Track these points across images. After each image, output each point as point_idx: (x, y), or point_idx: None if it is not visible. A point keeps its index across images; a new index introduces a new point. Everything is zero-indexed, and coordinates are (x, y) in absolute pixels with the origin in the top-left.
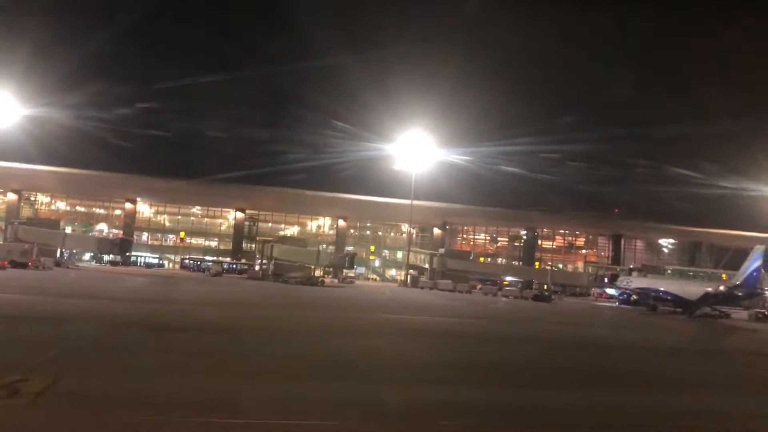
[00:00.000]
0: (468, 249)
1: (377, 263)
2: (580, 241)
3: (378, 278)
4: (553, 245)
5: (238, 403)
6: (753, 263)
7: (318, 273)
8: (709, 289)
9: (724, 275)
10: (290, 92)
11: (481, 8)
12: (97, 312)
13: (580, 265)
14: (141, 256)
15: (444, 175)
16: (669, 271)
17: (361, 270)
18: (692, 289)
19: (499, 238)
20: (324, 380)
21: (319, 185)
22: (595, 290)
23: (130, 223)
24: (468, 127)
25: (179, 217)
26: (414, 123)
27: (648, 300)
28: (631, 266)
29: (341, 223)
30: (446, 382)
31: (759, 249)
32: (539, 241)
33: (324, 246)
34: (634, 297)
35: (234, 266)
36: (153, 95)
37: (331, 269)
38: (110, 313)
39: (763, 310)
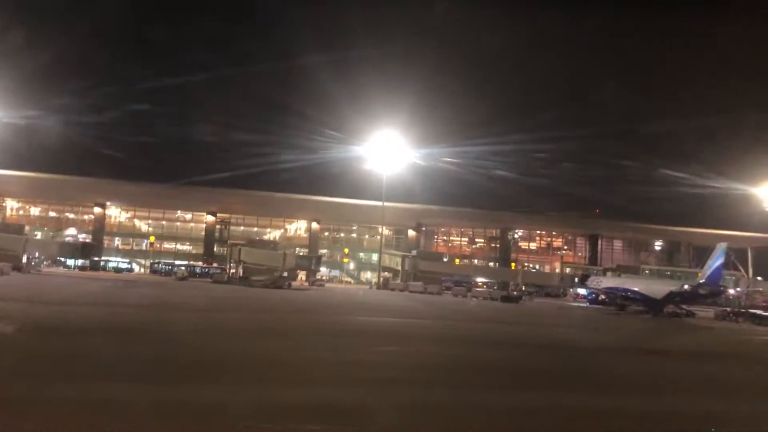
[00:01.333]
0: (445, 251)
1: (352, 266)
2: (559, 242)
3: (352, 281)
4: (528, 246)
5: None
6: (716, 261)
7: (285, 276)
8: (674, 288)
9: (700, 274)
10: (261, 94)
11: (452, 8)
12: None
13: (557, 265)
14: (111, 261)
15: (418, 176)
16: (647, 272)
17: (336, 273)
18: (658, 288)
19: (475, 240)
20: (181, 381)
21: (291, 187)
22: (572, 291)
23: (99, 227)
24: (442, 128)
25: (150, 221)
26: (387, 124)
27: (616, 299)
28: (606, 267)
29: (314, 225)
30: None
31: (721, 246)
32: (518, 242)
33: (298, 249)
34: (602, 297)
35: (207, 270)
36: (122, 98)
37: (301, 272)
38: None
39: (726, 308)
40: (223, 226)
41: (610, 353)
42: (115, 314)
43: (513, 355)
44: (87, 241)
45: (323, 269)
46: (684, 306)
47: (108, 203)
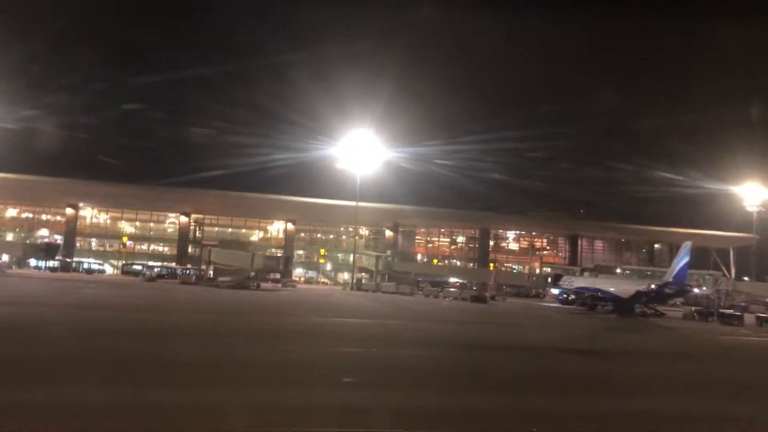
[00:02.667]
0: (425, 251)
1: (329, 266)
2: (542, 243)
3: (329, 282)
4: (508, 246)
5: None
6: (681, 260)
7: (252, 276)
8: (641, 288)
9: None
10: (235, 94)
11: (427, 7)
12: None
13: (536, 265)
14: (83, 262)
15: (395, 176)
16: (627, 272)
17: (313, 274)
18: (626, 288)
19: (456, 240)
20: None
21: (267, 188)
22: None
23: (71, 228)
24: (420, 128)
25: (123, 222)
26: (363, 123)
27: (586, 299)
28: (584, 267)
29: (290, 226)
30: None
31: (687, 245)
32: (500, 243)
33: (274, 250)
34: (572, 297)
35: (185, 271)
36: (94, 99)
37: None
38: None
39: (696, 308)
40: (197, 227)
41: (535, 353)
42: (28, 314)
43: (431, 354)
44: (51, 241)
45: (299, 270)
46: (655, 306)
47: (81, 204)
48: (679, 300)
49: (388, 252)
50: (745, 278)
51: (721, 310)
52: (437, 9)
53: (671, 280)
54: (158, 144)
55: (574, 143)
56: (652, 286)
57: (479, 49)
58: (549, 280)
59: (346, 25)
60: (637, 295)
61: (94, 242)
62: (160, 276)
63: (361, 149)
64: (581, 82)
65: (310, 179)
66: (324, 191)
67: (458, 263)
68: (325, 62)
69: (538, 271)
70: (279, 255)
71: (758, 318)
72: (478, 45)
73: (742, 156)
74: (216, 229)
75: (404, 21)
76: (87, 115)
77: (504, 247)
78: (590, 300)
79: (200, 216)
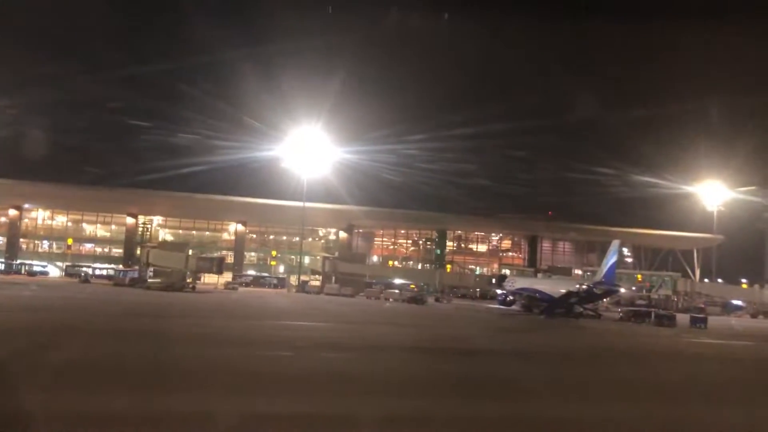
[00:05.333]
0: (382, 253)
1: (281, 268)
2: (499, 244)
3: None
4: (466, 247)
5: None
6: (610, 258)
7: (185, 278)
8: (571, 289)
9: (639, 276)
10: (184, 93)
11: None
12: None
13: (495, 267)
14: (26, 264)
15: (350, 177)
16: (588, 273)
17: (265, 275)
18: (560, 289)
19: (417, 242)
20: None
21: (218, 189)
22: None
23: (15, 230)
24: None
25: (69, 223)
26: (315, 123)
27: (522, 300)
28: (537, 268)
29: (239, 227)
30: None
31: (614, 244)
32: (460, 244)
33: (223, 252)
34: (510, 298)
35: (121, 273)
36: (39, 98)
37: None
38: None
39: (632, 309)
40: (144, 228)
41: (411, 351)
42: None
43: (301, 355)
44: None
45: (251, 272)
46: (589, 306)
47: (25, 205)
48: (641, 301)
49: (336, 254)
50: (719, 280)
51: (656, 311)
52: (389, 2)
53: (600, 279)
54: (104, 145)
55: (535, 144)
56: (583, 287)
57: (436, 45)
58: (493, 281)
59: (292, 20)
60: (567, 296)
61: (39, 244)
62: (101, 277)
63: (314, 150)
64: (541, 81)
65: (262, 180)
66: (277, 192)
67: (411, 265)
68: (273, 59)
69: (503, 272)
70: (214, 256)
71: (692, 318)
72: (435, 40)
73: (706, 156)
74: (166, 230)
75: (354, 15)
76: (31, 114)
77: (464, 248)
78: (527, 301)
79: (149, 217)
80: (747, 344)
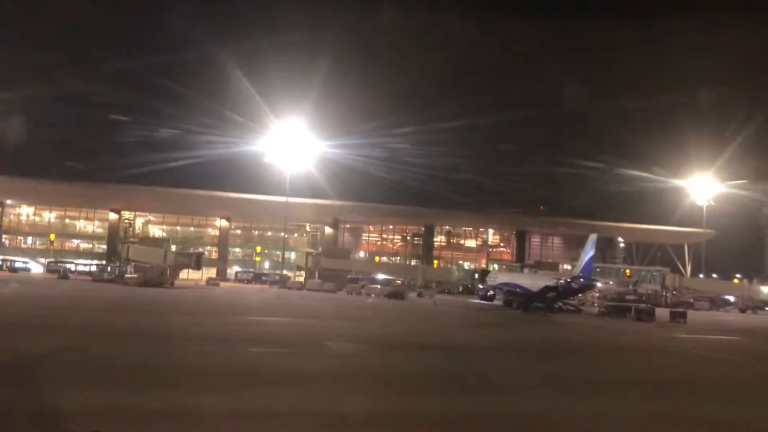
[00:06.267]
0: (369, 248)
1: (267, 264)
2: (486, 239)
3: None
4: (455, 242)
5: None
6: (587, 253)
7: (163, 273)
8: (549, 283)
9: (628, 271)
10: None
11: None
12: None
13: (483, 262)
14: (7, 260)
15: (336, 171)
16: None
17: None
18: (539, 284)
19: (405, 237)
20: None
21: (202, 184)
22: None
23: None
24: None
25: (52, 219)
26: (300, 118)
27: (503, 295)
28: (524, 263)
29: (223, 223)
30: None
31: (592, 238)
32: (449, 239)
33: (207, 248)
34: (490, 292)
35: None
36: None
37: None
38: None
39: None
40: (127, 224)
41: (352, 344)
42: None
43: (226, 350)
44: None
45: (237, 267)
46: (569, 301)
47: (8, 201)
48: (631, 296)
49: (320, 249)
50: (714, 275)
51: (636, 306)
52: None
53: (579, 274)
54: (86, 140)
55: (524, 138)
56: (561, 281)
57: (422, 38)
58: (476, 276)
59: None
60: (544, 291)
61: (21, 240)
62: (83, 273)
63: (299, 144)
64: (529, 74)
65: (247, 175)
66: (262, 187)
67: (399, 260)
68: (256, 53)
69: (485, 267)
70: (191, 252)
71: (671, 313)
72: (420, 33)
73: (696, 150)
74: (150, 226)
75: (338, 8)
76: (12, 109)
77: (452, 243)
78: (506, 295)
79: (131, 213)
80: (719, 338)
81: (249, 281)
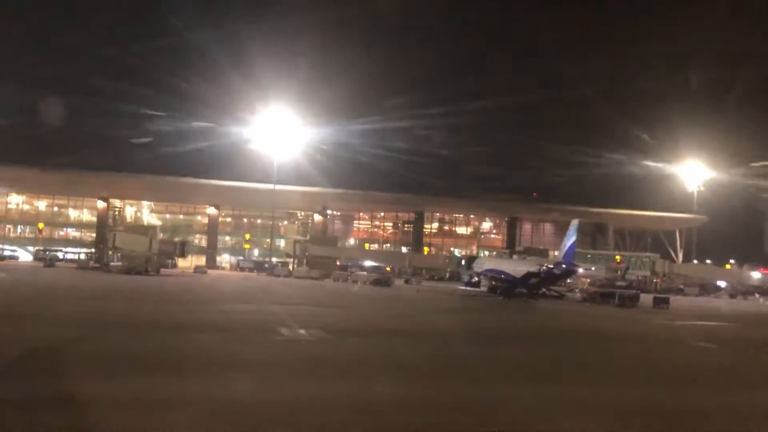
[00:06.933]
0: (360, 236)
1: (256, 252)
2: (478, 225)
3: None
4: (446, 229)
5: None
6: (569, 239)
7: (148, 261)
8: (531, 269)
9: (618, 257)
10: (157, 75)
11: None
12: None
13: (474, 249)
14: None
15: (323, 158)
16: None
17: (241, 259)
18: (522, 270)
19: (396, 224)
20: None
21: (191, 171)
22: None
23: None
24: (352, 108)
25: (41, 207)
26: (289, 105)
27: (488, 281)
28: (514, 250)
29: (212, 211)
30: None
31: (574, 223)
32: (441, 226)
33: (195, 236)
34: (475, 279)
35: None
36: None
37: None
38: None
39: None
40: (115, 212)
41: (307, 330)
42: None
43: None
44: None
45: (226, 256)
46: (553, 287)
47: None
48: (620, 283)
49: (308, 236)
50: (707, 261)
51: (620, 293)
52: None
53: (561, 260)
54: (73, 128)
55: (515, 124)
56: (543, 267)
57: (410, 23)
58: (463, 262)
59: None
60: (526, 277)
61: (11, 229)
62: (72, 261)
63: (287, 131)
64: (519, 59)
65: (236, 163)
66: (251, 175)
67: (389, 248)
68: (244, 39)
69: (472, 254)
70: (176, 240)
71: (655, 299)
72: (409, 18)
73: (688, 135)
74: (140, 215)
75: None
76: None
77: (443, 230)
78: (491, 282)
79: (119, 201)
80: (694, 324)
81: (251, 270)
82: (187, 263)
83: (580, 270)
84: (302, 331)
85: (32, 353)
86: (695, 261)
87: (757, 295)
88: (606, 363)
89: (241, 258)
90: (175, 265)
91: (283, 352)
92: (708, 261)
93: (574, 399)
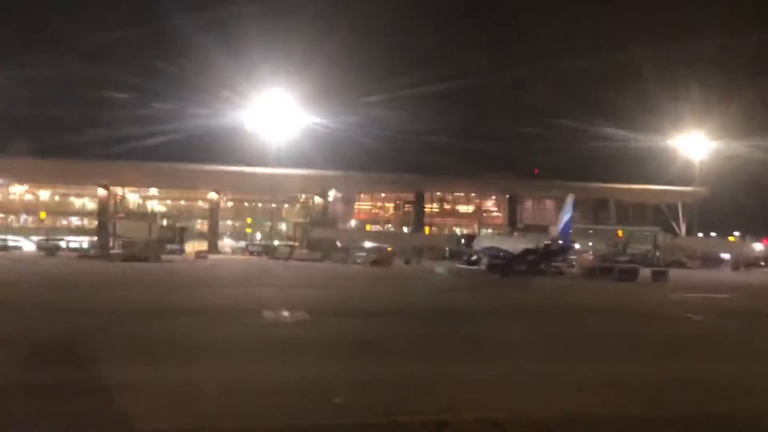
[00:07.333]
0: (361, 217)
1: (258, 236)
2: (481, 204)
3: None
4: (446, 209)
5: None
6: (565, 214)
7: (148, 248)
8: (529, 246)
9: (620, 232)
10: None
11: None
12: None
13: (476, 227)
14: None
15: (321, 141)
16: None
17: (242, 244)
18: (519, 247)
19: (391, 204)
20: None
21: (190, 157)
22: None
23: None
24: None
25: (42, 197)
26: (287, 88)
27: (487, 259)
28: (513, 227)
29: (213, 196)
30: None
31: (569, 198)
32: (441, 206)
33: (196, 222)
34: (474, 257)
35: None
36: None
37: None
38: None
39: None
40: (116, 200)
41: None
42: None
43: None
44: None
45: (227, 240)
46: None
47: None
48: (622, 257)
49: (308, 219)
50: (712, 233)
51: (620, 267)
52: None
53: (557, 236)
54: (72, 117)
55: (514, 99)
56: (541, 244)
57: (406, 3)
58: (463, 241)
59: None
60: (523, 254)
61: (14, 219)
62: (73, 250)
63: (286, 114)
64: (515, 33)
65: (235, 147)
66: (252, 159)
67: (391, 228)
68: (238, 22)
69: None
70: (175, 227)
71: (653, 272)
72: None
73: (689, 108)
74: (141, 201)
75: None
76: None
77: (445, 210)
78: (490, 260)
79: (121, 188)
80: (689, 296)
81: (259, 254)
82: (189, 249)
83: (576, 246)
84: (286, 313)
85: None
86: (700, 234)
87: (762, 263)
88: (581, 338)
89: (248, 243)
90: (182, 251)
91: (256, 334)
92: (712, 234)
93: (534, 373)
